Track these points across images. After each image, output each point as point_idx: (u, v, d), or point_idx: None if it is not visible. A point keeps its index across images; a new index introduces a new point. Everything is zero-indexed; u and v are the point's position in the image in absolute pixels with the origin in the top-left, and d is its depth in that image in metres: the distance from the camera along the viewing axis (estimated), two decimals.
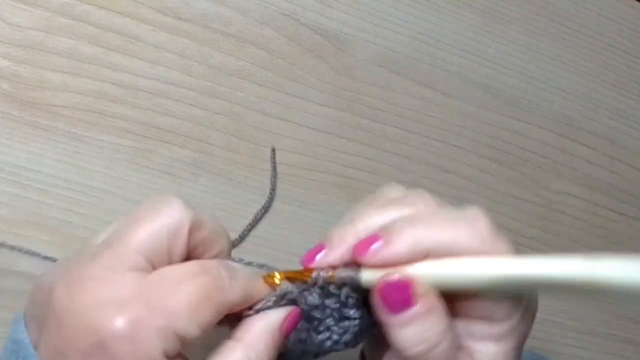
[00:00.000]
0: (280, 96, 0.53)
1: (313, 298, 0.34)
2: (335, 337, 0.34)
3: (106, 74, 0.49)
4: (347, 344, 0.35)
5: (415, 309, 0.31)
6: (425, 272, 0.31)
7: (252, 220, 0.50)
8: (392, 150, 0.57)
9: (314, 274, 0.33)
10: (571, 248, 0.63)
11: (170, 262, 0.32)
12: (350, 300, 0.34)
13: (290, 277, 0.34)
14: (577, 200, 0.64)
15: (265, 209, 0.50)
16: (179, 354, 0.30)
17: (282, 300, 0.34)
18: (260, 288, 0.34)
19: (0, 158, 0.46)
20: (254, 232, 0.52)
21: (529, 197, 0.62)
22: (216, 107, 0.51)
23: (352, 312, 0.34)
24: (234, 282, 0.32)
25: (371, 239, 0.32)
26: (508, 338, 0.33)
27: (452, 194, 0.58)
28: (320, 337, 0.35)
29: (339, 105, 0.55)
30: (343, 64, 0.55)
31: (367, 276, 0.33)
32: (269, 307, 0.34)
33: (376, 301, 0.32)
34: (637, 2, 0.68)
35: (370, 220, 0.34)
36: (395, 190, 0.36)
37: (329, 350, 0.35)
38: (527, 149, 0.62)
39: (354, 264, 0.33)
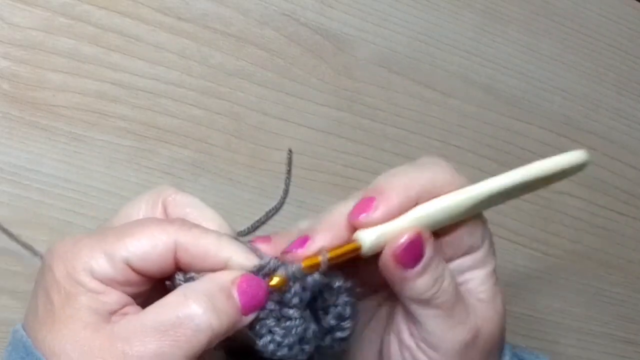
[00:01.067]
0: (280, 96, 0.53)
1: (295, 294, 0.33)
2: (277, 338, 0.33)
3: (106, 74, 0.49)
4: (291, 349, 0.34)
5: (426, 256, 0.34)
6: (420, 215, 0.34)
7: (263, 216, 0.49)
8: (392, 150, 0.57)
9: (321, 259, 0.33)
10: (571, 248, 0.63)
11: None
12: (294, 300, 0.33)
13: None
14: (577, 200, 0.64)
15: (277, 209, 0.50)
16: None
17: None
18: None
19: (0, 158, 0.46)
20: (253, 232, 0.52)
21: (529, 197, 0.62)
22: (216, 107, 0.51)
23: (291, 312, 0.33)
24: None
25: (366, 200, 0.34)
26: (486, 262, 0.37)
27: None
28: (263, 341, 0.33)
29: (339, 105, 0.55)
30: (343, 64, 0.55)
31: (369, 238, 0.33)
32: None
33: (388, 265, 0.34)
34: (637, 2, 0.68)
35: (343, 206, 0.35)
36: None
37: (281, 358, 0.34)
38: (527, 149, 0.62)
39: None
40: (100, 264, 0.31)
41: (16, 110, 0.46)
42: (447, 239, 0.36)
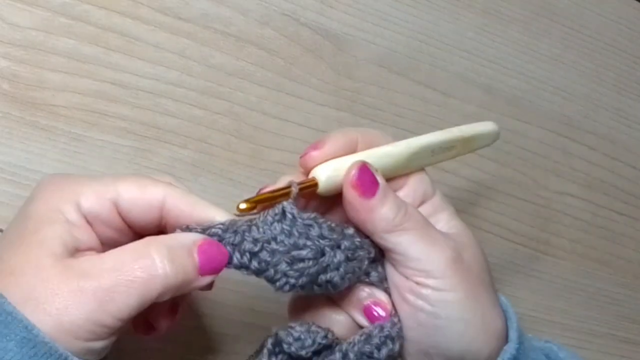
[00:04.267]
0: (280, 96, 0.53)
1: (264, 230, 0.35)
2: (292, 281, 0.35)
3: (106, 74, 0.49)
4: (310, 286, 0.35)
5: (381, 183, 0.37)
6: (364, 157, 0.38)
7: None
8: None
9: (292, 187, 0.36)
10: (571, 248, 0.63)
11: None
12: (276, 227, 0.35)
13: (262, 200, 0.35)
14: (577, 200, 0.64)
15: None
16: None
17: (228, 231, 0.34)
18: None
19: (0, 158, 0.46)
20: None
21: (529, 197, 0.62)
22: (216, 107, 0.51)
23: (304, 253, 0.35)
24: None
25: (314, 143, 0.38)
26: (445, 205, 0.41)
27: (452, 194, 0.58)
28: (278, 284, 0.35)
29: (339, 105, 0.55)
30: (343, 64, 0.55)
31: (324, 172, 0.37)
32: (214, 234, 0.34)
33: (351, 197, 0.37)
34: (637, 2, 0.68)
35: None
36: None
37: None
38: (527, 149, 0.62)
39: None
40: (89, 198, 0.33)
41: (16, 110, 0.46)
42: (402, 192, 0.40)
